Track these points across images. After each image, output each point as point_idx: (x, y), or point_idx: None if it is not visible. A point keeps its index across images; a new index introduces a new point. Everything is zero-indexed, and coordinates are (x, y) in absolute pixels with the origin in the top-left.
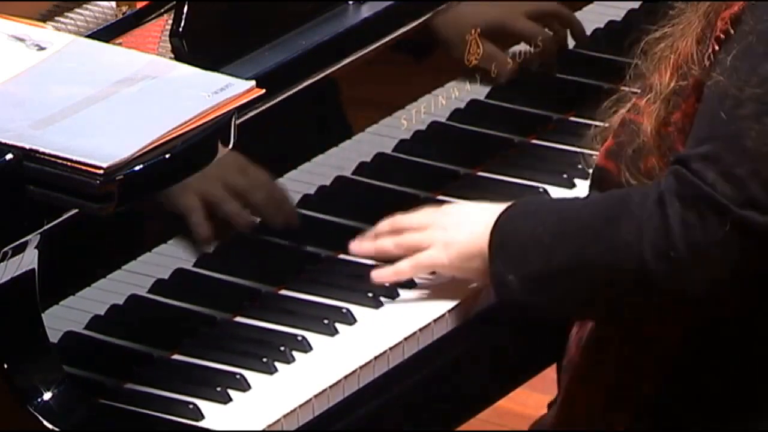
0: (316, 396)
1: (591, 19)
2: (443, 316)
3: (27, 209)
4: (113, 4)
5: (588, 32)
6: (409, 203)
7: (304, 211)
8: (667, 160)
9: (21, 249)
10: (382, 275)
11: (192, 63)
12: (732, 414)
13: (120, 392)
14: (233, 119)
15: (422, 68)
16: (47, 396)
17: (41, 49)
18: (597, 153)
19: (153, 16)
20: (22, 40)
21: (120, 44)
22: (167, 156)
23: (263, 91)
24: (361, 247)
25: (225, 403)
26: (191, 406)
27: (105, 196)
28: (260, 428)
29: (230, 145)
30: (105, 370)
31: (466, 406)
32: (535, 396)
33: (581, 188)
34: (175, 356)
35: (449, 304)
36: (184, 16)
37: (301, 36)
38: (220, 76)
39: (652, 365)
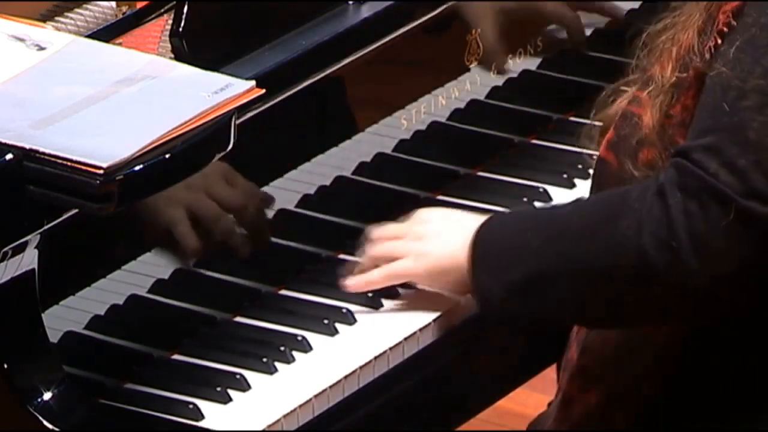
0: (316, 396)
1: (591, 19)
2: (443, 316)
3: (27, 209)
4: (113, 4)
5: (588, 32)
6: (409, 203)
7: (304, 211)
8: (667, 153)
9: (21, 249)
10: (353, 284)
11: (192, 63)
12: (732, 414)
13: (120, 392)
14: (233, 119)
15: (422, 68)
16: (47, 396)
17: (41, 49)
18: (596, 153)
19: (153, 16)
20: (22, 40)
21: (120, 44)
22: (167, 156)
23: (263, 91)
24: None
25: (225, 403)
26: (191, 406)
27: (105, 196)
28: (260, 428)
29: (230, 145)
30: (105, 370)
31: (466, 406)
32: (535, 396)
33: (581, 188)
34: (175, 356)
35: (449, 305)
36: (184, 16)
37: (301, 36)
38: (220, 76)
39: (652, 365)
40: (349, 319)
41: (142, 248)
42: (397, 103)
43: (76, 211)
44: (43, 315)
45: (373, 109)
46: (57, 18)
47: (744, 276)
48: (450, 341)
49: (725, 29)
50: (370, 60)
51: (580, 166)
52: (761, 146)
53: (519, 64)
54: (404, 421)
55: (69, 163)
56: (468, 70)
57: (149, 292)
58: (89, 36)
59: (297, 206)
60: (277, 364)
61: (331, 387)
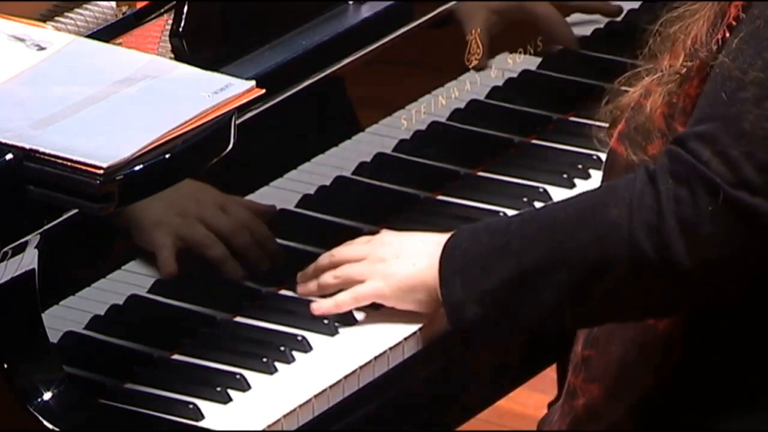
0: (316, 396)
1: (591, 19)
2: (443, 316)
3: (27, 209)
4: (113, 4)
5: (588, 32)
6: (409, 203)
7: (304, 211)
8: (669, 142)
9: (21, 249)
10: (322, 307)
11: (192, 63)
12: (732, 412)
13: (120, 392)
14: (233, 119)
15: (422, 68)
16: (47, 396)
17: (41, 49)
18: (603, 152)
19: (153, 16)
20: (22, 40)
21: (120, 44)
22: (167, 156)
23: (263, 91)
24: (306, 287)
25: (225, 403)
26: (191, 406)
27: (105, 196)
28: (260, 428)
29: (230, 145)
30: (105, 370)
31: (466, 406)
32: (535, 396)
33: (581, 188)
34: (175, 356)
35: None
36: (184, 16)
37: (301, 36)
38: (220, 76)
39: (652, 362)
40: (350, 319)
41: (142, 248)
42: (397, 103)
43: (76, 211)
44: (43, 315)
45: (373, 109)
46: (57, 18)
47: (733, 264)
48: (450, 341)
49: (734, 22)
50: (370, 60)
51: (580, 166)
52: (755, 138)
53: (519, 64)
54: (404, 421)
55: (69, 163)
56: (468, 70)
57: (149, 292)
58: (89, 36)
59: (297, 206)
60: (277, 364)
61: (331, 387)
